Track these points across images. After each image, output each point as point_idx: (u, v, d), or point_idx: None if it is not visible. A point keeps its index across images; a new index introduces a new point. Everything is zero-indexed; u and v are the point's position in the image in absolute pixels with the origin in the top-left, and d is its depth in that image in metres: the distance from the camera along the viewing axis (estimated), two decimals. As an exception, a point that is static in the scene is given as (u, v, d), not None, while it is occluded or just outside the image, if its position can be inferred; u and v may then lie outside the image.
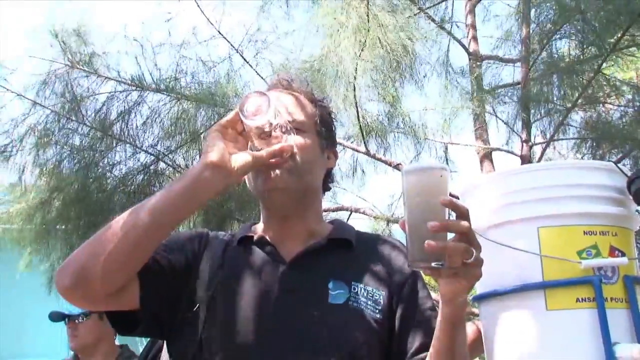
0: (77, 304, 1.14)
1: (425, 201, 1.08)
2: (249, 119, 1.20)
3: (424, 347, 1.22)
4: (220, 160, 1.16)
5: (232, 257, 1.31)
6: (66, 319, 3.08)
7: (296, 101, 1.36)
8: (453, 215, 1.09)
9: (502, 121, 4.23)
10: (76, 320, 3.06)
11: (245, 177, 1.31)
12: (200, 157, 1.26)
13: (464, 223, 1.06)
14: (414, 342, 1.26)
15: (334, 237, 1.33)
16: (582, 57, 3.72)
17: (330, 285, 1.25)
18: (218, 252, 1.31)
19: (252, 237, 1.34)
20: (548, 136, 4.15)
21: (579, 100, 3.79)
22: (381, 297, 1.27)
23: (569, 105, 3.83)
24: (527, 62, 3.99)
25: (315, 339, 1.20)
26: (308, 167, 1.31)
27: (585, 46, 3.70)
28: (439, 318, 1.15)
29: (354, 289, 1.26)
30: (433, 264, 1.06)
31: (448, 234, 1.07)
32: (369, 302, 1.25)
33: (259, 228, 1.37)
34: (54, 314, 3.13)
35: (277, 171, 1.26)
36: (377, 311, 1.25)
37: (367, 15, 3.35)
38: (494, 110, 4.11)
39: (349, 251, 1.32)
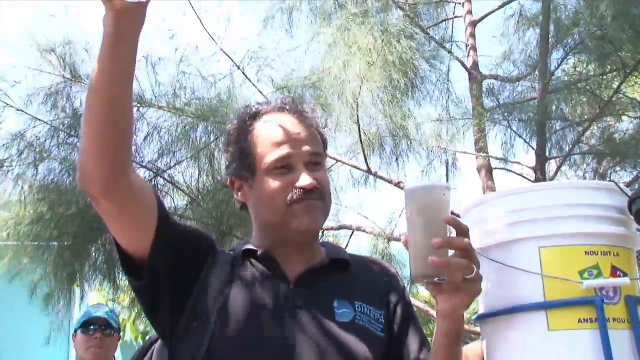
0: (93, 194, 1.16)
1: (428, 218, 1.12)
2: None
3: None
4: None
5: (239, 272, 1.32)
6: (99, 327, 2.99)
7: (314, 132, 1.36)
8: (453, 232, 1.13)
9: (518, 134, 4.26)
10: (112, 333, 3.02)
11: (265, 210, 1.32)
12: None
13: (466, 240, 1.11)
14: (415, 355, 1.32)
15: (334, 258, 1.35)
16: (601, 76, 3.75)
17: (335, 304, 1.28)
18: (226, 265, 1.32)
19: (256, 251, 1.34)
20: (566, 150, 4.17)
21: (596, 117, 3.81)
22: (381, 317, 1.31)
23: (586, 122, 3.86)
24: (544, 78, 3.99)
25: (325, 355, 1.22)
26: (330, 204, 1.35)
27: (605, 65, 3.73)
28: (436, 333, 1.19)
29: (358, 308, 1.29)
30: (436, 279, 1.11)
31: (449, 250, 1.13)
32: (372, 321, 1.28)
33: (258, 243, 1.37)
34: (95, 318, 3.03)
35: (314, 216, 1.29)
36: (380, 329, 1.29)
37: (374, 39, 3.41)
38: (508, 124, 4.13)
39: (347, 272, 1.35)
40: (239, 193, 1.38)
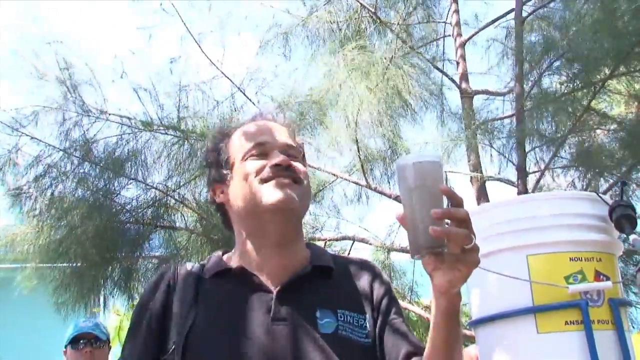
0: None
1: (425, 190, 1.12)
2: None
3: (410, 355, 1.25)
4: None
5: (208, 291, 1.30)
6: (88, 342, 3.02)
7: (289, 130, 1.40)
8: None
9: (497, 151, 4.35)
10: (101, 345, 3.05)
11: (240, 194, 1.30)
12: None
13: (464, 210, 1.10)
14: (400, 353, 1.28)
15: (317, 264, 1.33)
16: (572, 92, 3.88)
17: (318, 314, 1.27)
18: (189, 288, 1.31)
19: (230, 269, 1.32)
20: (543, 165, 4.28)
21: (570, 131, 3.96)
22: (365, 321, 1.29)
23: (561, 136, 3.99)
24: (521, 97, 4.11)
25: None
26: (308, 192, 1.35)
27: (575, 83, 3.87)
28: (434, 314, 1.17)
29: (341, 317, 1.28)
30: (438, 249, 1.10)
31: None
32: (356, 329, 1.28)
33: (234, 258, 1.35)
34: (84, 334, 3.05)
35: (288, 190, 1.26)
36: (364, 336, 1.28)
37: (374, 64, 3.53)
38: (490, 143, 4.24)
39: (330, 278, 1.33)
40: (221, 196, 1.37)
